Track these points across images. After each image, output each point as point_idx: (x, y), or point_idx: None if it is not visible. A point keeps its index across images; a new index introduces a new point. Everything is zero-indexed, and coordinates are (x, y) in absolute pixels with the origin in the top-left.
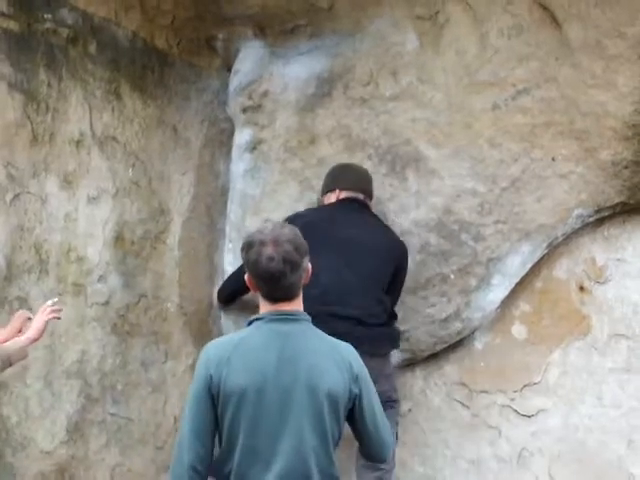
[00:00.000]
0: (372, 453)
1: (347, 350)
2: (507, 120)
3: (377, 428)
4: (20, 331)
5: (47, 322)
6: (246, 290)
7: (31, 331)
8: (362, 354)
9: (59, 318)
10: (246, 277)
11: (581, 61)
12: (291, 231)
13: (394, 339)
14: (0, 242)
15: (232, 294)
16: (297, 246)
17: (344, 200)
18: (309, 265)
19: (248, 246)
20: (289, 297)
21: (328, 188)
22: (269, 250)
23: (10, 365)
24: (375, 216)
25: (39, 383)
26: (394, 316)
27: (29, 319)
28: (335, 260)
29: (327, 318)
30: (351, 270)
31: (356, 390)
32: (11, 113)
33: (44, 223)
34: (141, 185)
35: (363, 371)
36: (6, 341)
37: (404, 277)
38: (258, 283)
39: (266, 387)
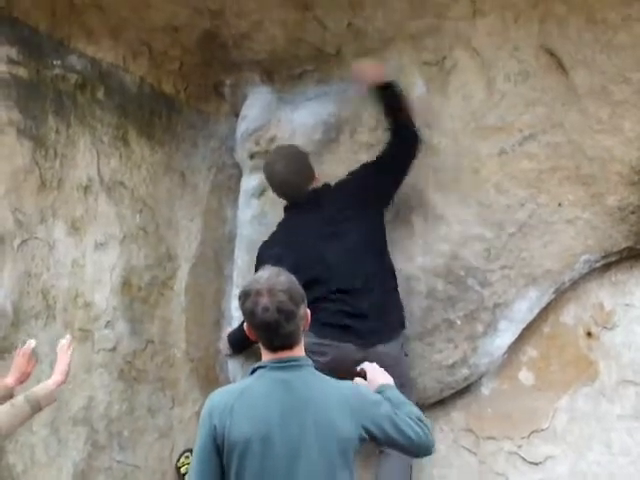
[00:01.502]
0: (414, 453)
1: (350, 390)
2: (514, 165)
3: (406, 436)
4: (28, 366)
5: (70, 362)
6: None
7: (57, 375)
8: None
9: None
10: (245, 326)
11: (587, 106)
12: (286, 279)
13: (400, 321)
14: (7, 288)
15: (242, 344)
16: (292, 295)
17: (290, 209)
18: (307, 312)
19: (245, 296)
20: (288, 346)
21: None
22: (264, 300)
23: (40, 410)
24: (320, 189)
25: (45, 430)
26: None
27: (32, 352)
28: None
29: (337, 315)
30: (337, 266)
31: (365, 434)
32: (20, 159)
33: (51, 269)
34: (148, 231)
35: (367, 405)
36: (18, 382)
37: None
38: (257, 332)
39: (272, 436)
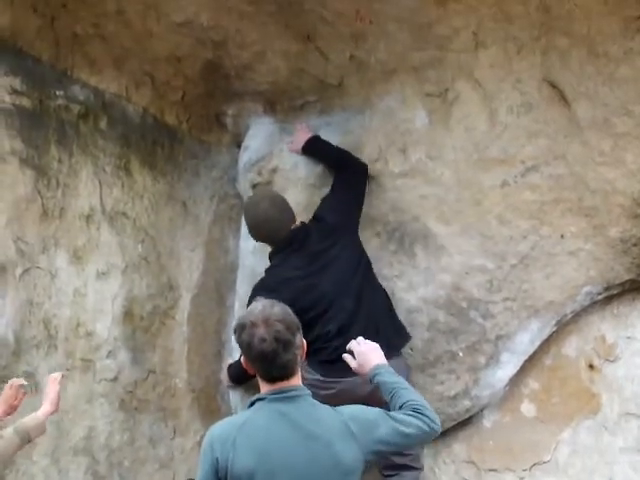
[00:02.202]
0: (425, 443)
1: (350, 417)
2: (516, 197)
3: (413, 436)
4: (16, 399)
5: (59, 392)
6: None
7: (47, 405)
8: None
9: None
10: (242, 359)
11: (590, 139)
12: (281, 310)
13: (399, 333)
14: (9, 317)
15: (242, 377)
16: (288, 325)
17: (275, 254)
18: (304, 341)
19: (240, 328)
20: (286, 376)
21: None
22: (260, 331)
23: (29, 441)
24: (300, 229)
25: (46, 460)
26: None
27: (21, 385)
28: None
29: (337, 350)
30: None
31: (373, 455)
32: (22, 188)
33: (53, 298)
34: (150, 261)
35: (370, 428)
36: (4, 414)
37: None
38: (254, 364)
39: (275, 470)
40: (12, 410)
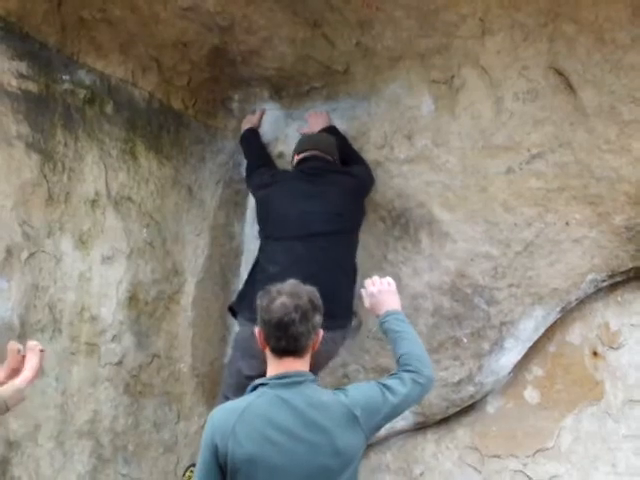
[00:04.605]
0: (424, 395)
1: (351, 401)
2: (521, 184)
3: (410, 401)
4: (17, 362)
5: (41, 359)
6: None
7: (27, 371)
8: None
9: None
10: (257, 330)
11: (595, 126)
12: (310, 289)
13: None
14: (14, 301)
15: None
16: (312, 299)
17: (299, 163)
18: (321, 331)
19: (265, 293)
20: (296, 350)
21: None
22: (283, 298)
23: (8, 410)
24: (332, 168)
25: (51, 443)
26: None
27: (18, 351)
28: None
29: None
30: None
31: (371, 433)
32: (28, 172)
33: (58, 282)
34: (155, 245)
35: (375, 409)
36: (9, 377)
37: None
38: (268, 331)
39: (275, 457)
40: (15, 374)
